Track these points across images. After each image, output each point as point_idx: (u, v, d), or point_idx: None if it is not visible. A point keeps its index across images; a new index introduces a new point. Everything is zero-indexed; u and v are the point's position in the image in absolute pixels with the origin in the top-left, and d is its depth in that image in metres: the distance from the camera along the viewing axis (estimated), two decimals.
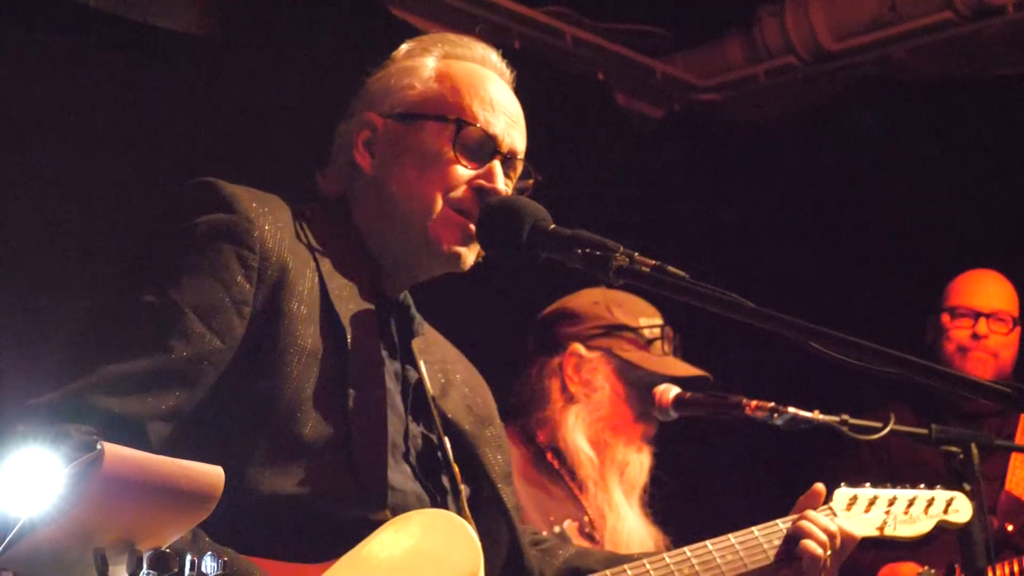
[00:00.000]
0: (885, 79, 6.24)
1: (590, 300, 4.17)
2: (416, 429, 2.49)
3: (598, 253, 2.26)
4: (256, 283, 2.29)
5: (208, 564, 1.69)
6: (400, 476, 2.39)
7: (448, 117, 2.52)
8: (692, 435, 4.57)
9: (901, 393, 4.79)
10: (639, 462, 4.04)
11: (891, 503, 2.97)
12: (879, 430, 3.39)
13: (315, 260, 2.41)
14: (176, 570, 1.66)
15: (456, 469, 2.51)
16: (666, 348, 4.09)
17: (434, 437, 2.52)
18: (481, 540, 2.38)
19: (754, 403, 3.36)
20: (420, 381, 2.55)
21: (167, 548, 1.68)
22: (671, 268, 2.23)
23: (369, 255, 2.54)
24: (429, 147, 2.52)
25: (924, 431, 3.36)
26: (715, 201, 6.53)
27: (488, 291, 4.44)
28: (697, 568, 2.63)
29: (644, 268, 2.23)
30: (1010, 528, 4.65)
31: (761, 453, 5.78)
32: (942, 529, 3.09)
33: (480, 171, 2.52)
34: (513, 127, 2.59)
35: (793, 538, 2.75)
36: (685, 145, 6.61)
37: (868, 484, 2.96)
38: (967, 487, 3.27)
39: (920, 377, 2.08)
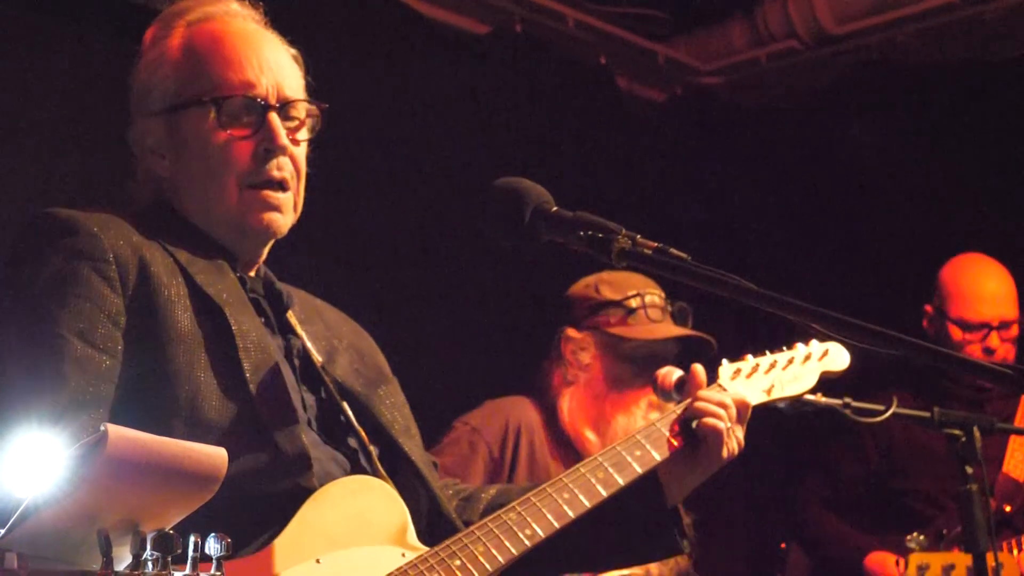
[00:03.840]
0: (888, 62, 6.22)
1: (583, 284, 4.20)
2: (310, 398, 2.48)
3: (600, 235, 2.25)
4: (121, 290, 2.31)
5: (211, 545, 1.70)
6: (310, 443, 2.38)
7: (203, 99, 2.47)
8: None
9: (902, 379, 4.77)
10: None
11: (772, 366, 2.96)
12: (882, 413, 3.39)
13: (170, 254, 2.40)
14: (179, 551, 1.66)
15: (361, 431, 2.51)
16: (652, 315, 4.08)
17: (331, 403, 2.51)
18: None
19: None
20: (305, 350, 2.53)
21: (170, 529, 1.68)
22: (673, 250, 2.23)
23: (213, 241, 2.52)
24: (200, 135, 2.47)
25: (927, 414, 3.37)
26: (717, 185, 6.53)
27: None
28: (611, 471, 2.60)
29: (646, 250, 2.23)
30: (1008, 509, 4.66)
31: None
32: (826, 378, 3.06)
33: (259, 135, 2.47)
34: (272, 71, 2.51)
35: (689, 420, 2.71)
36: (687, 129, 6.61)
37: (749, 356, 2.94)
38: (969, 469, 3.28)
39: (922, 358, 2.09)
